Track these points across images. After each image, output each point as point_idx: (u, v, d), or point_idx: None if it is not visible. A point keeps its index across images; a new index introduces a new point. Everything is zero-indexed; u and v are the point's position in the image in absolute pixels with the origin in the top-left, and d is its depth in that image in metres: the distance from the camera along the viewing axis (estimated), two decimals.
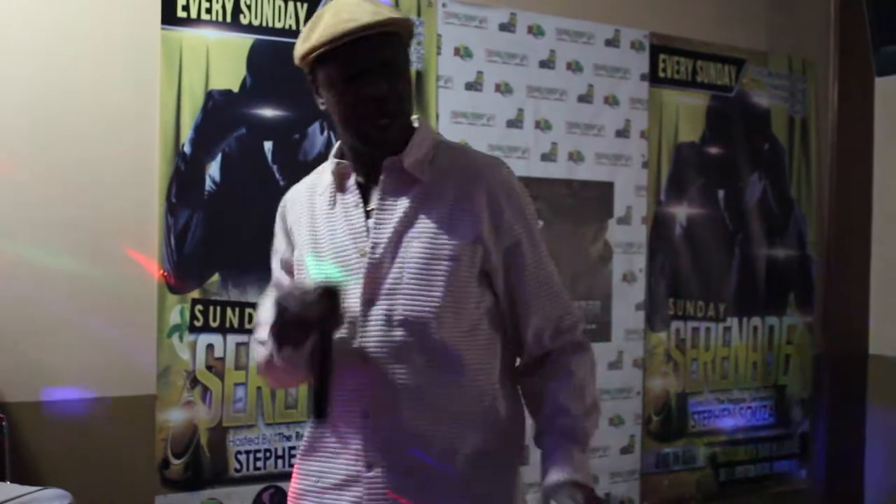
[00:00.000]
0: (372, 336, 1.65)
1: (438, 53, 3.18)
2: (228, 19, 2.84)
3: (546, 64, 3.39)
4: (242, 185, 2.86)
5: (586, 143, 3.47)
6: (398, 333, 1.65)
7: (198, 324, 2.78)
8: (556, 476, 1.61)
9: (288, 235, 1.78)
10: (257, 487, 2.87)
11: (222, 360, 2.82)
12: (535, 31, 3.38)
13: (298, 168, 2.92)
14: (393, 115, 1.63)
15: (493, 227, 1.66)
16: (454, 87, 3.21)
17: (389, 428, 1.66)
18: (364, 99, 1.60)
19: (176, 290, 2.76)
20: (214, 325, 2.81)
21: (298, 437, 2.92)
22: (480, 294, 1.68)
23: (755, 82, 3.89)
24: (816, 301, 4.04)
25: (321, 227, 1.71)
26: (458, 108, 3.22)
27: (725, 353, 3.81)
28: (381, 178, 1.66)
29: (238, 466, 2.84)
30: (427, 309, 1.64)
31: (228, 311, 2.83)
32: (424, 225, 1.65)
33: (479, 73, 3.26)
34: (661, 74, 3.66)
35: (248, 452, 2.85)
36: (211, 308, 2.80)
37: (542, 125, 3.38)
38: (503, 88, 3.31)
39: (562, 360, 1.71)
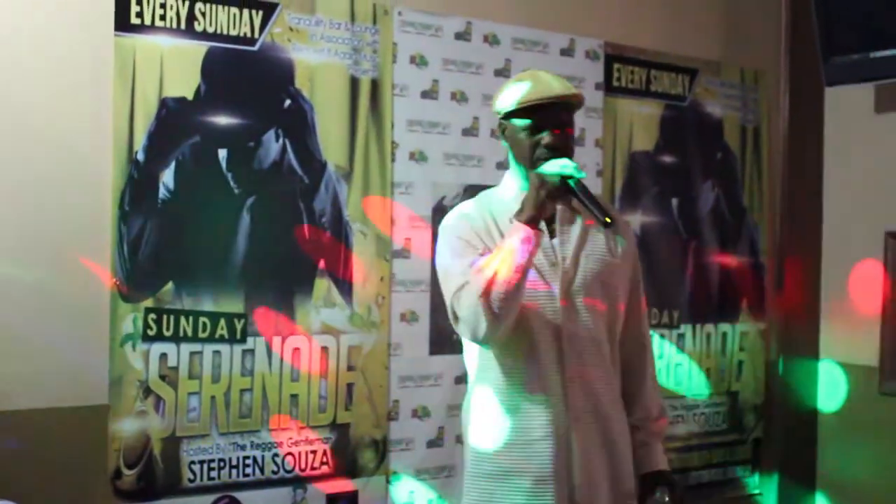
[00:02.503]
0: (568, 325, 2.30)
1: (394, 62, 3.18)
2: (182, 26, 2.82)
3: (501, 73, 3.40)
4: (196, 193, 2.84)
5: None
6: (586, 323, 2.32)
7: (151, 333, 2.76)
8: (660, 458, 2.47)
9: (479, 237, 2.32)
10: (211, 497, 2.84)
11: (176, 369, 2.79)
12: (491, 40, 3.40)
13: (253, 176, 2.92)
14: None
15: (630, 250, 2.45)
16: (410, 95, 3.22)
17: (583, 388, 2.31)
18: (542, 145, 2.29)
19: (129, 298, 2.73)
20: (168, 333, 2.78)
21: (253, 446, 2.91)
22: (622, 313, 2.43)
23: (708, 92, 3.94)
24: (768, 308, 4.09)
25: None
26: (414, 116, 3.22)
27: (679, 360, 3.85)
28: (559, 209, 2.34)
29: (192, 476, 2.81)
30: (605, 306, 2.35)
31: (182, 319, 2.80)
32: (594, 247, 2.37)
33: (435, 81, 3.27)
34: (616, 84, 3.69)
35: (201, 462, 2.83)
36: (164, 317, 2.78)
37: (498, 134, 3.38)
38: (459, 97, 3.32)
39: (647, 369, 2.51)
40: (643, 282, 2.55)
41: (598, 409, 2.33)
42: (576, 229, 2.37)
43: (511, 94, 2.34)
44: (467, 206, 2.44)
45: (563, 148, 2.30)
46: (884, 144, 3.80)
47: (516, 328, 2.27)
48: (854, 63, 3.59)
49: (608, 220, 2.17)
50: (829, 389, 3.97)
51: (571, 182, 2.20)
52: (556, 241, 2.34)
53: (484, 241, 2.32)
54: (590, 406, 2.32)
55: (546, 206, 2.22)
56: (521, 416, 2.30)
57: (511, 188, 2.41)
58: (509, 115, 2.36)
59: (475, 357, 2.40)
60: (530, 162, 2.31)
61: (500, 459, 2.31)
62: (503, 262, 2.16)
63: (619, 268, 2.41)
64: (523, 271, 2.17)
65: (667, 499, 2.41)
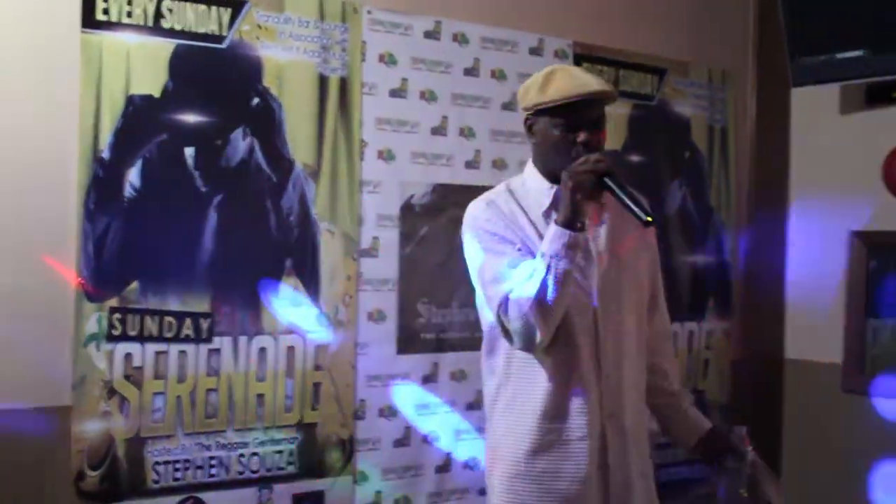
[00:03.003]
0: (605, 321, 2.27)
1: (363, 60, 3.17)
2: (150, 23, 2.80)
3: (470, 72, 3.41)
4: (163, 191, 2.82)
5: (510, 150, 3.49)
6: (621, 318, 2.30)
7: (116, 332, 2.74)
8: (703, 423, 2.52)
9: (508, 227, 2.28)
10: (176, 498, 2.83)
11: (141, 369, 2.78)
12: (460, 39, 3.39)
13: (220, 174, 2.91)
14: None
15: (650, 235, 2.42)
16: (378, 93, 3.21)
17: (616, 384, 2.29)
18: (578, 144, 2.21)
19: (93, 297, 2.71)
20: (133, 333, 2.77)
21: (218, 446, 2.89)
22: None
23: (676, 92, 3.96)
24: (734, 306, 4.13)
25: (544, 231, 2.24)
26: (383, 114, 3.22)
27: None
28: None
29: (156, 477, 2.80)
30: (636, 298, 2.35)
31: (147, 319, 2.79)
32: (622, 238, 2.33)
33: (404, 80, 3.27)
34: None
35: (166, 463, 2.82)
36: (129, 316, 2.76)
37: (466, 133, 3.40)
38: (427, 96, 3.32)
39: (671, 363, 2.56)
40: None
41: (631, 404, 2.32)
42: (604, 221, 2.33)
43: (545, 90, 2.25)
44: (492, 194, 2.38)
45: (597, 145, 2.25)
46: (848, 144, 3.84)
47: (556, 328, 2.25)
48: (820, 64, 3.62)
49: (650, 219, 2.12)
50: (794, 387, 4.02)
51: (608, 180, 2.15)
52: (586, 234, 2.28)
53: (517, 233, 2.28)
54: (622, 402, 2.30)
55: (583, 207, 2.17)
56: (559, 418, 2.25)
57: (536, 180, 2.35)
58: (540, 112, 2.28)
59: (504, 358, 2.33)
60: (565, 159, 2.23)
61: (537, 461, 2.27)
62: (550, 270, 2.13)
63: (644, 256, 2.40)
64: (570, 277, 2.15)
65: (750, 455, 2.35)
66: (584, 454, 2.25)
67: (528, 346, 2.21)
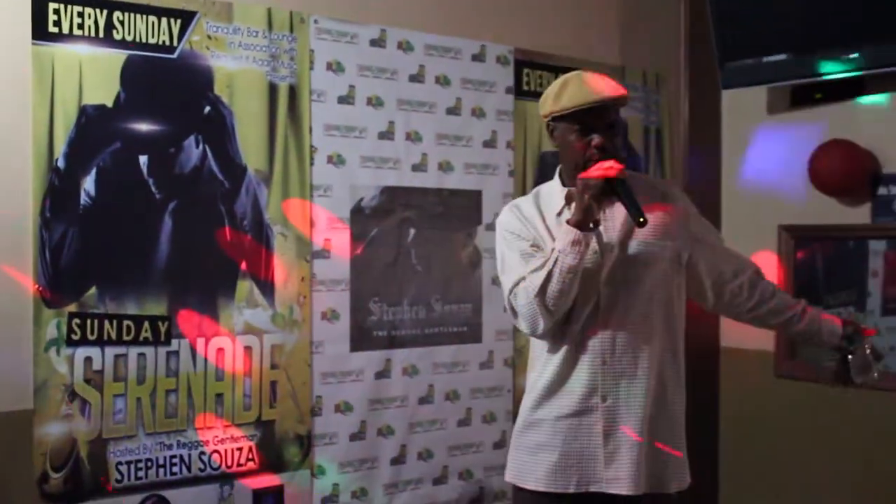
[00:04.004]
0: (609, 311, 2.39)
1: (311, 68, 3.26)
2: (101, 35, 2.86)
3: (416, 78, 3.52)
4: (118, 199, 2.88)
5: (455, 153, 3.61)
6: (629, 310, 2.39)
7: (75, 337, 2.80)
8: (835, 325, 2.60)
9: (525, 227, 2.45)
10: (139, 497, 2.90)
11: (101, 372, 2.84)
12: (405, 46, 3.50)
13: (174, 181, 2.97)
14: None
15: (684, 226, 2.49)
16: (327, 100, 3.31)
17: (616, 371, 2.39)
18: (592, 147, 2.35)
19: (52, 304, 2.77)
20: (92, 337, 2.83)
21: (179, 445, 2.96)
22: (679, 277, 2.50)
23: None
24: None
25: (555, 231, 2.41)
26: (332, 121, 3.31)
27: None
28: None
29: (119, 477, 2.86)
30: (651, 288, 2.41)
31: (106, 323, 2.85)
32: (637, 231, 2.39)
33: (352, 87, 3.37)
34: (525, 87, 3.82)
35: (128, 463, 2.88)
36: (88, 321, 2.82)
37: (413, 137, 3.51)
38: (374, 102, 3.42)
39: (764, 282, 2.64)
40: None
41: (638, 390, 2.40)
42: (619, 216, 2.42)
43: (560, 98, 2.40)
44: (521, 199, 2.58)
45: (611, 148, 2.37)
46: (776, 143, 4.00)
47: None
48: (748, 67, 3.77)
49: (641, 220, 2.25)
50: (729, 374, 4.17)
51: (617, 184, 2.29)
52: (600, 228, 2.40)
53: (531, 232, 2.45)
54: (620, 388, 2.40)
55: (593, 209, 2.32)
56: (555, 394, 2.43)
57: (556, 184, 2.52)
58: (557, 118, 2.42)
59: (533, 343, 2.55)
60: (582, 162, 2.37)
61: (531, 434, 2.46)
62: (556, 263, 2.29)
63: (665, 247, 2.45)
64: (575, 272, 2.30)
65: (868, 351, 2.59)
66: (571, 432, 2.41)
67: (533, 330, 2.39)
